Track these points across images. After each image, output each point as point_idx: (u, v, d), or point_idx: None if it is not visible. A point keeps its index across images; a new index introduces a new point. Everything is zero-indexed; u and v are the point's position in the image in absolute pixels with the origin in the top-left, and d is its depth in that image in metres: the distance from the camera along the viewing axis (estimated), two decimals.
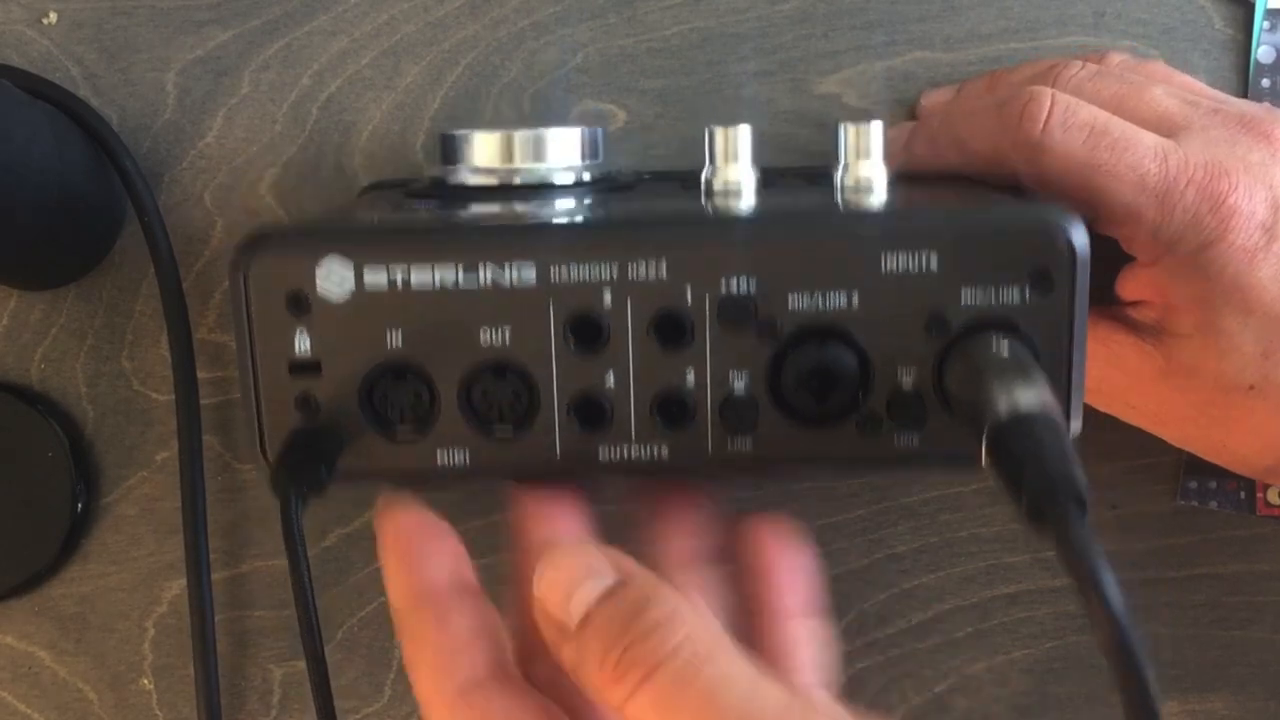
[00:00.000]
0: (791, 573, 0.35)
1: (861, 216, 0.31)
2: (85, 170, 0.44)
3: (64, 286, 0.47)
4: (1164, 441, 0.42)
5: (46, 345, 0.48)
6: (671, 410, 0.32)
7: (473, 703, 0.30)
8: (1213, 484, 0.47)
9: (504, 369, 0.31)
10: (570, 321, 0.31)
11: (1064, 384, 0.31)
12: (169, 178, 0.46)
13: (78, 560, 0.50)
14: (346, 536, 0.48)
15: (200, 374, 0.47)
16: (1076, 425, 0.32)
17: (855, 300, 0.31)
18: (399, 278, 0.30)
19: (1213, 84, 0.44)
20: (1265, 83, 0.44)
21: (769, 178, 0.37)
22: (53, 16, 0.44)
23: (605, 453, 0.32)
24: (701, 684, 0.27)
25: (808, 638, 0.34)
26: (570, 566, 0.29)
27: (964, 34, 0.45)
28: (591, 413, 0.32)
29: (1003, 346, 0.30)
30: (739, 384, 0.30)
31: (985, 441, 0.28)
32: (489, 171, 0.38)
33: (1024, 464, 0.27)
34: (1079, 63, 0.40)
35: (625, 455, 0.32)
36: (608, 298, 0.31)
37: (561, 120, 0.46)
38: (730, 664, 0.27)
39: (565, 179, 0.38)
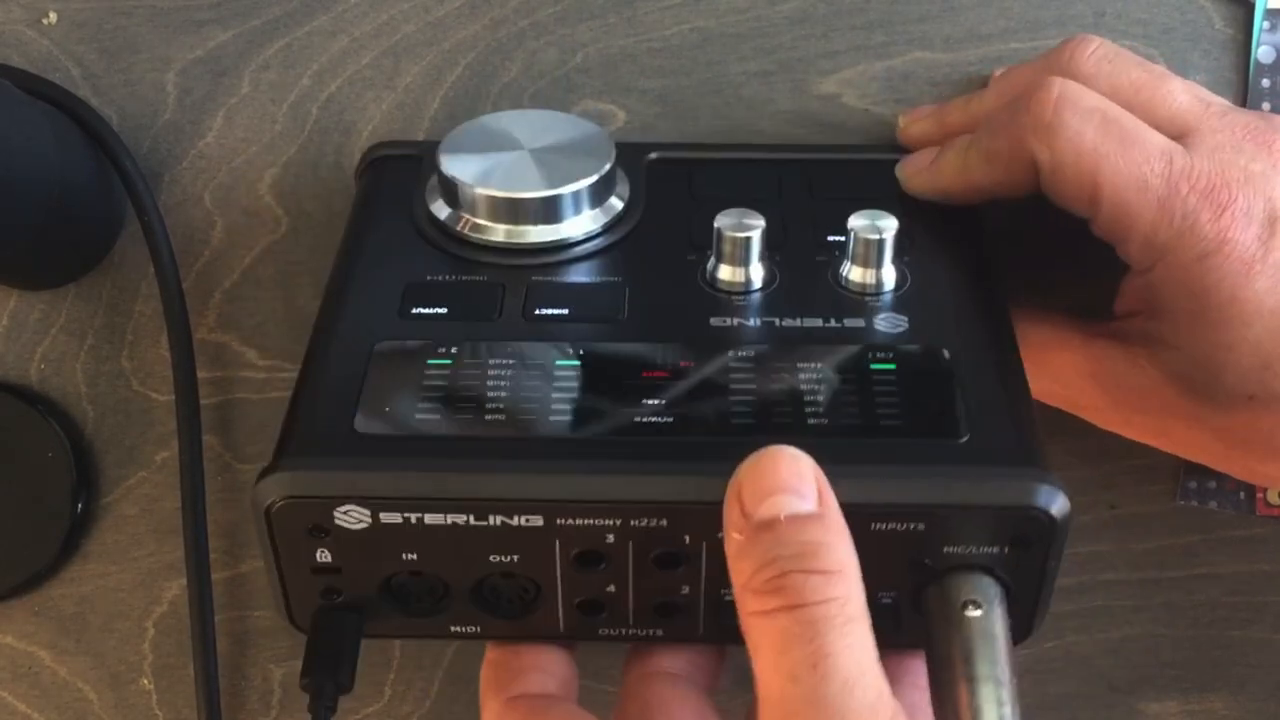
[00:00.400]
0: None
1: (853, 483, 0.32)
2: (85, 170, 0.44)
3: (64, 286, 0.47)
4: None
5: (46, 345, 0.48)
6: (667, 610, 0.35)
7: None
8: (1212, 484, 0.47)
9: (512, 575, 0.34)
10: (575, 553, 0.34)
11: (1029, 611, 0.34)
12: (169, 178, 0.46)
13: (78, 560, 0.50)
14: None
15: (200, 374, 0.47)
16: (1038, 627, 0.35)
17: None
18: (413, 519, 0.33)
19: (1212, 84, 0.44)
20: (1265, 83, 0.44)
21: (772, 264, 0.39)
22: (53, 16, 0.44)
23: (605, 631, 0.36)
24: (822, 643, 0.28)
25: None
26: (779, 473, 0.30)
27: (964, 34, 0.44)
28: (593, 608, 0.35)
29: (975, 609, 0.32)
30: (731, 595, 0.31)
31: None
32: (496, 230, 0.40)
33: None
34: (1098, 39, 0.40)
35: (624, 634, 0.36)
36: (610, 538, 0.33)
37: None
38: (859, 639, 0.29)
39: (576, 234, 0.40)
